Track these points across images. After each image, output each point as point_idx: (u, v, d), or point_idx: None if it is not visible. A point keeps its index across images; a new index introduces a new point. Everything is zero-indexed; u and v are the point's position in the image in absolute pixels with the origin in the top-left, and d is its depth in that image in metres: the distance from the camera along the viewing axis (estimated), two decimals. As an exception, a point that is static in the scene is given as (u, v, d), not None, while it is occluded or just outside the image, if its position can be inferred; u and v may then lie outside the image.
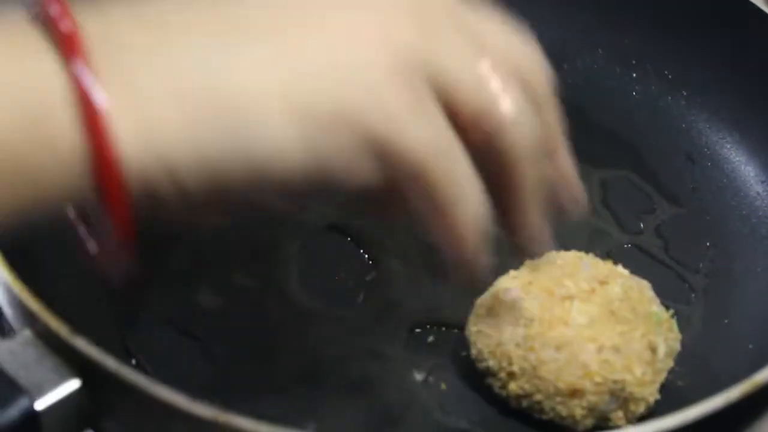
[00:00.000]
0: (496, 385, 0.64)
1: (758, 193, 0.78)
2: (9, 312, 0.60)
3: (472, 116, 0.52)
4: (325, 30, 0.50)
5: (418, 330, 0.68)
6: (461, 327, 0.67)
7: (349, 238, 0.73)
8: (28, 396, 0.53)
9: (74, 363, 0.55)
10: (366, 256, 0.72)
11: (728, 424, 0.58)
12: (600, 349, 0.62)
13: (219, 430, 0.52)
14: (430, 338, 0.68)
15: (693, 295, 0.72)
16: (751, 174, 0.79)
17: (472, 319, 0.66)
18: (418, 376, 0.66)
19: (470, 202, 0.52)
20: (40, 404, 0.53)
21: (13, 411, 0.52)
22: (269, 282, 0.70)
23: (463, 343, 0.66)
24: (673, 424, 0.53)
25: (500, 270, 0.67)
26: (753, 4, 0.80)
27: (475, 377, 0.65)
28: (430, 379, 0.66)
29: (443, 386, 0.66)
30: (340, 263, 0.72)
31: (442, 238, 0.53)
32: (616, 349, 0.62)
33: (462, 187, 0.52)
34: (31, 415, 0.53)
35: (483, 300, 0.66)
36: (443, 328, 0.69)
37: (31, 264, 0.61)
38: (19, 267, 0.59)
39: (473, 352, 0.65)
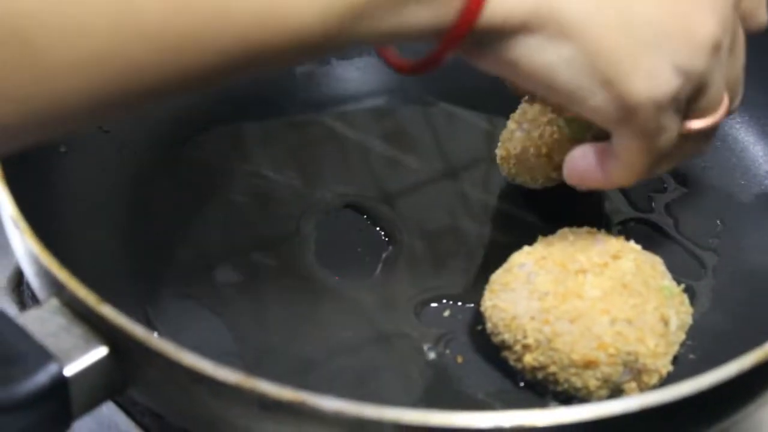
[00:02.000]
0: (511, 357, 0.66)
1: (767, 172, 0.79)
2: (35, 282, 0.61)
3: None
4: None
5: (434, 305, 0.70)
6: (476, 302, 0.69)
7: (365, 216, 0.75)
8: (57, 362, 0.54)
9: (101, 331, 0.56)
10: (382, 233, 0.74)
11: (741, 393, 0.59)
12: (613, 322, 0.63)
13: (243, 395, 0.53)
14: (446, 313, 0.70)
15: (703, 271, 0.73)
16: (760, 153, 0.80)
17: (486, 293, 0.68)
18: (435, 350, 0.68)
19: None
20: (69, 370, 0.55)
21: (43, 376, 0.54)
22: (287, 258, 0.72)
23: (479, 318, 0.68)
24: (688, 391, 0.55)
25: (514, 246, 0.69)
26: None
27: (491, 350, 0.67)
28: (447, 352, 0.68)
29: (459, 359, 0.67)
30: (357, 240, 0.73)
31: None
32: (628, 321, 0.63)
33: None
34: (61, 381, 0.54)
35: (497, 275, 0.68)
36: (459, 303, 0.70)
37: (55, 239, 0.62)
38: (43, 240, 0.61)
39: (488, 326, 0.67)
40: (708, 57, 0.59)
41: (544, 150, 0.71)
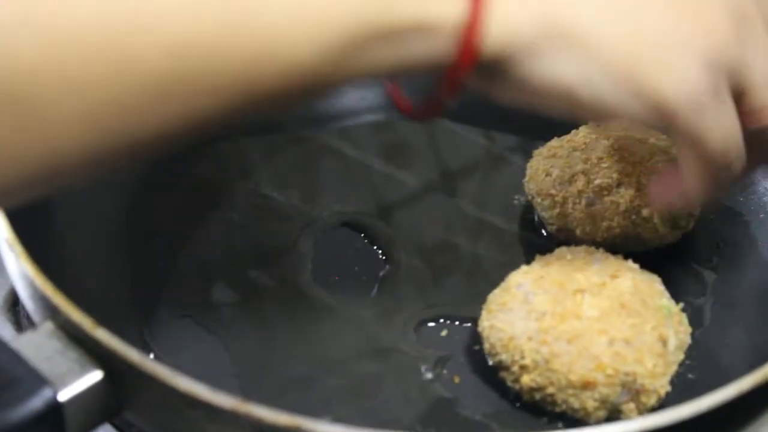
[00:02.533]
0: (509, 378, 0.66)
1: (766, 189, 0.79)
2: (30, 305, 0.62)
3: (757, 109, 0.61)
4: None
5: (431, 324, 0.70)
6: (474, 322, 0.69)
7: (362, 235, 0.75)
8: (52, 387, 0.55)
9: (96, 355, 0.56)
10: (379, 251, 0.74)
11: (740, 415, 0.59)
12: (611, 342, 0.63)
13: (239, 420, 0.54)
14: (444, 332, 0.70)
15: (703, 290, 0.73)
16: (759, 171, 0.80)
17: (484, 314, 0.68)
18: (432, 370, 0.68)
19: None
20: (64, 395, 0.55)
21: (38, 401, 0.54)
22: (284, 278, 0.72)
23: (476, 338, 0.68)
24: (687, 413, 0.55)
25: (512, 264, 0.69)
26: None
27: (488, 371, 0.67)
28: (444, 372, 0.68)
29: (456, 380, 0.67)
30: (354, 259, 0.73)
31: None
32: (627, 342, 0.63)
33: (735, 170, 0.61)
34: (55, 406, 0.54)
35: (495, 295, 0.68)
36: (456, 323, 0.70)
37: (49, 261, 0.62)
38: (39, 262, 0.61)
39: (486, 346, 0.67)
40: (732, 44, 0.57)
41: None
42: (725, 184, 0.62)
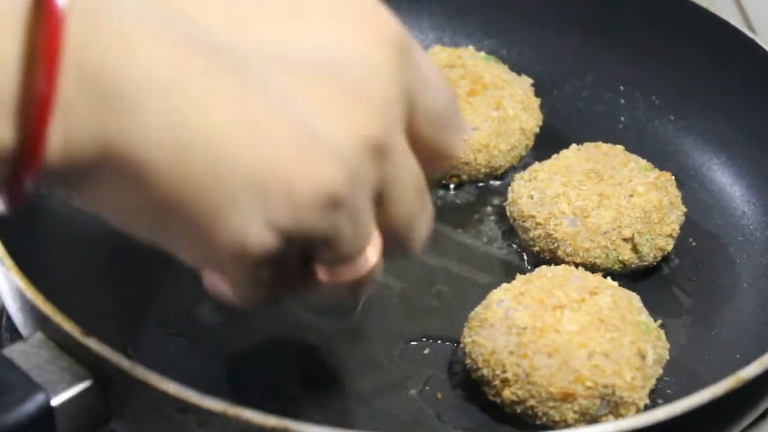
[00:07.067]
0: (490, 393, 0.70)
1: (744, 213, 0.84)
2: (19, 317, 0.66)
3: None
4: None
5: (413, 343, 0.75)
6: (456, 340, 0.73)
7: (345, 256, 0.79)
8: (44, 393, 0.58)
9: (86, 363, 0.60)
10: (362, 272, 0.78)
11: (716, 421, 0.64)
12: (590, 355, 0.68)
13: (228, 423, 0.58)
14: (426, 351, 0.74)
15: (681, 309, 0.78)
16: (737, 194, 0.85)
17: (466, 330, 0.72)
18: (415, 387, 0.72)
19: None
20: (56, 401, 0.59)
21: (30, 406, 0.58)
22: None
23: (458, 355, 0.73)
24: (662, 416, 0.59)
25: (493, 285, 0.74)
26: (740, 31, 0.87)
27: (470, 387, 0.71)
28: (426, 389, 0.72)
29: (439, 395, 0.72)
30: (337, 279, 0.78)
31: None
32: (606, 355, 0.68)
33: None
34: (48, 411, 0.58)
35: (476, 312, 0.73)
36: (438, 341, 0.75)
37: (37, 278, 0.66)
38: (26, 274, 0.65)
39: (468, 362, 0.71)
40: (317, 214, 0.51)
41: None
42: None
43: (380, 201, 0.55)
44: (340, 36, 0.52)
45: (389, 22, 0.53)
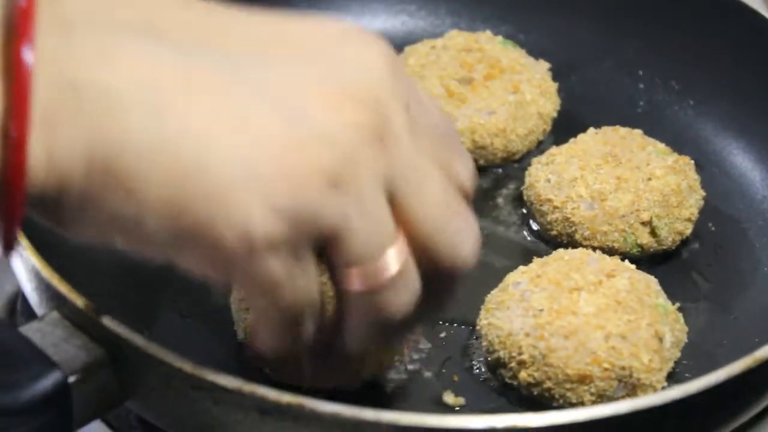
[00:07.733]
0: (507, 375, 0.70)
1: (765, 197, 0.84)
2: (34, 296, 0.66)
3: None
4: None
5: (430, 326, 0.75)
6: (472, 323, 0.74)
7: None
8: (60, 370, 0.59)
9: (102, 341, 0.61)
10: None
11: (731, 400, 0.64)
12: (607, 337, 0.68)
13: (243, 400, 0.58)
14: (443, 334, 0.74)
15: (700, 293, 0.78)
16: (758, 179, 0.85)
17: (482, 312, 0.73)
18: (431, 370, 0.72)
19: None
20: (72, 378, 0.59)
21: (47, 383, 0.58)
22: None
23: (474, 338, 0.73)
24: (677, 395, 0.59)
25: (510, 269, 0.74)
26: (759, 14, 0.87)
27: (487, 369, 0.72)
28: (443, 371, 0.72)
29: (455, 378, 0.72)
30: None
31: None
32: (623, 337, 0.68)
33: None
34: (64, 388, 0.59)
35: (493, 294, 0.73)
36: (455, 324, 0.75)
37: (51, 256, 0.67)
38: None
39: (484, 344, 0.71)
40: (317, 194, 0.51)
41: None
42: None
43: (396, 199, 0.54)
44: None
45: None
